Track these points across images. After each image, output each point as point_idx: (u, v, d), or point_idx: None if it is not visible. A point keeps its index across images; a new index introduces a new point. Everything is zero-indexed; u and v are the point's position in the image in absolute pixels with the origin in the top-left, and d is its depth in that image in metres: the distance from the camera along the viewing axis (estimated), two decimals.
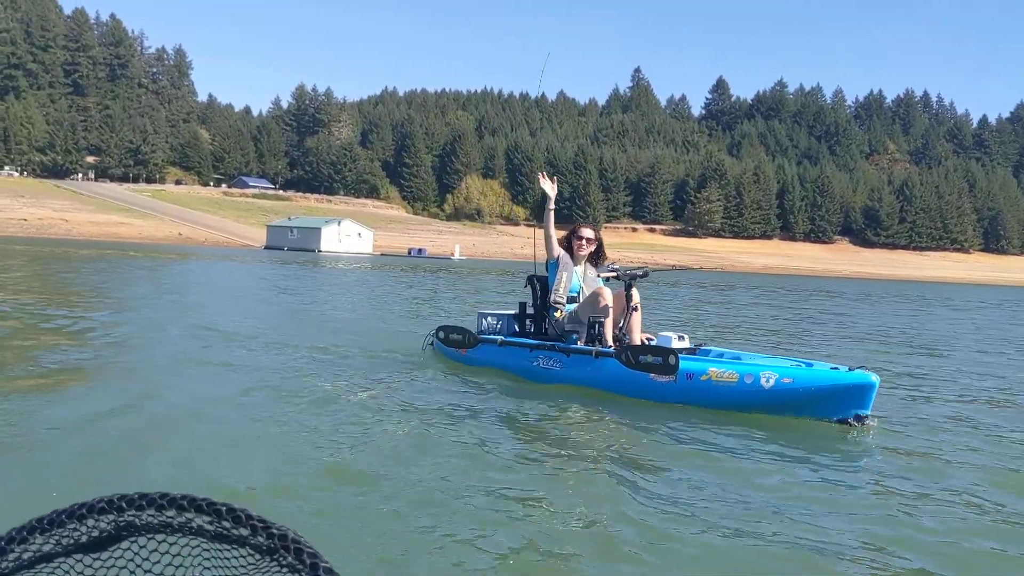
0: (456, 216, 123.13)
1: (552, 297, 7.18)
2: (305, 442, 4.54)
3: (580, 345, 6.93)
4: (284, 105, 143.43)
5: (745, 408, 5.92)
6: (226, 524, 0.78)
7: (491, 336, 7.72)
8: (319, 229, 78.31)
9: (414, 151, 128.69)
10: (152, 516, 0.79)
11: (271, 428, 4.91)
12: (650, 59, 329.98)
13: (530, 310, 7.76)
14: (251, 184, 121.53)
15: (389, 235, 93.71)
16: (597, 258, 7.43)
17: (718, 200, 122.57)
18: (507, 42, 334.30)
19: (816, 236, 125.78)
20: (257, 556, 0.79)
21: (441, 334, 8.17)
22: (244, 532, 0.78)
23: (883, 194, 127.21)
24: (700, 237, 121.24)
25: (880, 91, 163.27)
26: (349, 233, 79.93)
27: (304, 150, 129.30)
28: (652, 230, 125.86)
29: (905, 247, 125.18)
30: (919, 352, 11.35)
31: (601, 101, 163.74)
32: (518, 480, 4.04)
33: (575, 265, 7.24)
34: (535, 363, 7.19)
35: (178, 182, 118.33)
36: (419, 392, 6.40)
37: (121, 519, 0.80)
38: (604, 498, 3.84)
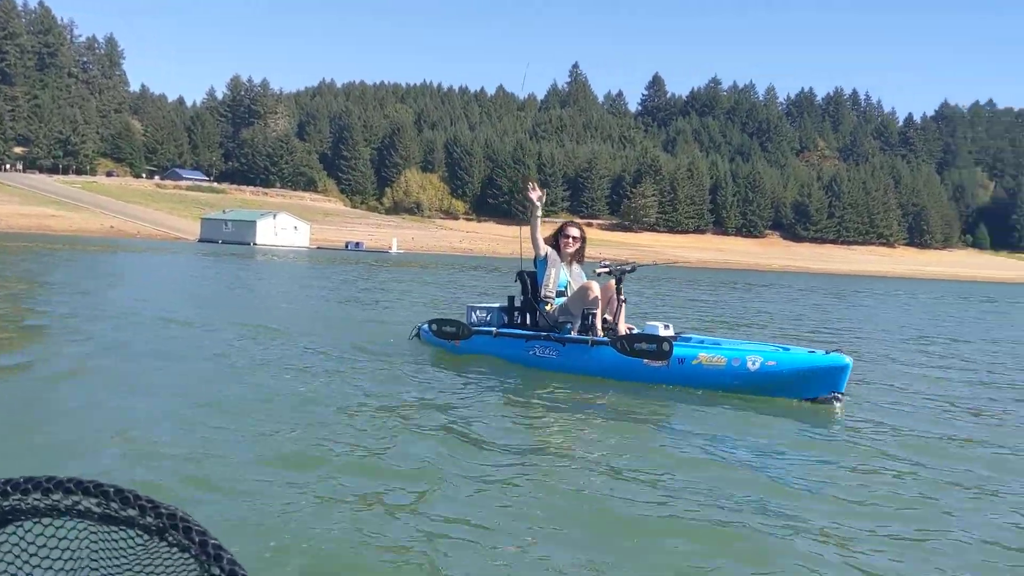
0: (395, 210, 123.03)
1: (542, 292, 7.77)
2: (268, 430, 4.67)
3: (574, 335, 7.49)
4: (219, 96, 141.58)
5: (732, 389, 6.56)
6: (114, 506, 0.77)
7: (485, 328, 8.21)
8: (254, 222, 77.83)
9: (352, 144, 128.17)
10: (38, 500, 0.78)
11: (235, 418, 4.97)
12: (588, 55, 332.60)
13: (519, 303, 8.22)
14: (185, 176, 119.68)
15: (327, 228, 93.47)
16: (581, 255, 8.00)
17: (653, 195, 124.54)
18: (447, 34, 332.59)
19: (748, 231, 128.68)
20: (146, 537, 0.78)
21: (434, 326, 8.61)
22: (132, 513, 0.77)
23: (812, 190, 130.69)
24: (636, 231, 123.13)
25: (811, 89, 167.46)
26: (285, 226, 79.61)
27: (239, 142, 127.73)
28: (589, 224, 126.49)
29: (834, 241, 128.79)
30: (870, 339, 12.44)
31: (540, 96, 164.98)
32: (501, 460, 4.32)
33: (562, 261, 7.83)
34: (531, 352, 7.70)
35: (109, 174, 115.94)
36: (412, 379, 6.78)
37: (6, 504, 0.78)
38: (587, 476, 4.11)
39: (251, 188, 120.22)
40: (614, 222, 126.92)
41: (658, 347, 6.88)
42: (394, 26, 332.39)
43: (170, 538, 0.76)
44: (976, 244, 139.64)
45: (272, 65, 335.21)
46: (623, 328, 7.53)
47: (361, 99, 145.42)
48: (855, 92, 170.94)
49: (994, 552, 3.30)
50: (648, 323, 7.43)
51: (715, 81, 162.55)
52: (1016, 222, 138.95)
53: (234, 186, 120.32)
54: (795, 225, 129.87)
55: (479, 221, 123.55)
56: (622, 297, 7.61)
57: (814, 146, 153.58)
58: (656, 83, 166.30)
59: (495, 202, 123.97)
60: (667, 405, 6.20)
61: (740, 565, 3.06)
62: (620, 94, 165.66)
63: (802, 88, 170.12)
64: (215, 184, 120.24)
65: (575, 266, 7.98)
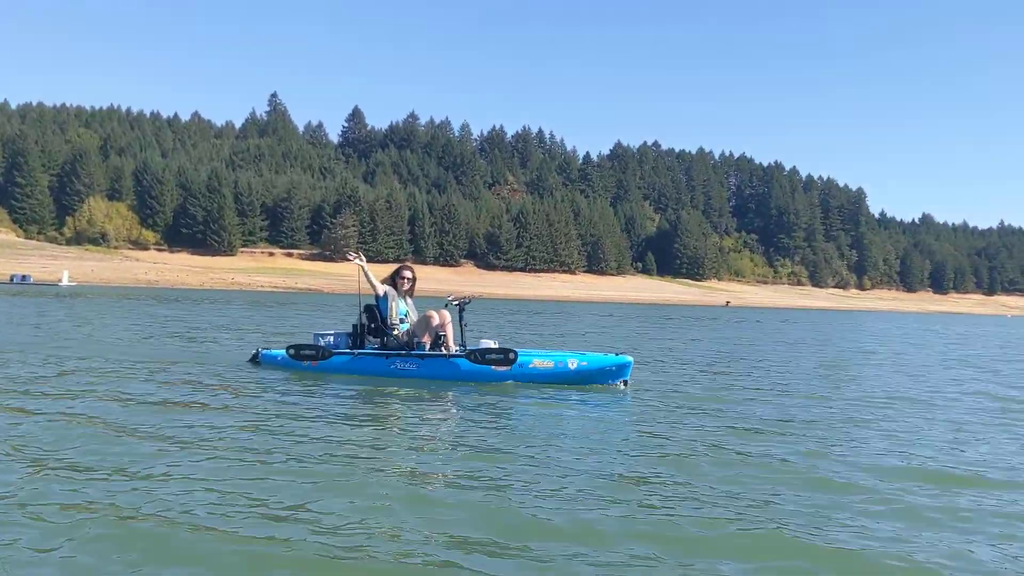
0: (78, 240, 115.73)
1: (390, 320, 10.10)
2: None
3: (428, 351, 9.92)
4: None
5: (558, 381, 9.63)
6: None
7: (341, 349, 10.29)
8: None
9: (28, 170, 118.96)
10: None
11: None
12: (287, 85, 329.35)
13: (361, 329, 10.37)
14: None
15: None
16: (412, 290, 10.57)
17: (353, 225, 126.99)
18: (137, 55, 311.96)
19: (445, 260, 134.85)
20: None
21: (292, 351, 10.49)
22: None
23: (502, 221, 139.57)
24: (336, 261, 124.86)
25: (502, 127, 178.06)
26: None
27: None
28: (290, 255, 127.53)
29: (522, 269, 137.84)
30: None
31: (238, 124, 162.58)
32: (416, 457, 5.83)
33: (399, 296, 10.37)
34: (392, 366, 9.93)
35: None
36: (270, 400, 8.16)
37: None
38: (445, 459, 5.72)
39: None
40: (315, 252, 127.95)
41: (505, 356, 9.71)
42: (76, 44, 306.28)
43: None
44: (645, 270, 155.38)
45: None
46: (452, 346, 10.06)
47: (39, 122, 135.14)
48: (541, 131, 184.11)
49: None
50: (482, 340, 10.22)
51: (413, 116, 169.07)
52: (677, 251, 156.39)
53: None
54: (488, 254, 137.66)
55: (171, 252, 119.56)
56: (464, 323, 10.31)
57: (504, 180, 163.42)
58: (356, 115, 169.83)
59: (188, 232, 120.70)
60: (505, 399, 8.84)
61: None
62: (320, 125, 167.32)
63: (493, 126, 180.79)
64: None
65: (409, 299, 10.48)
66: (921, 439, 7.29)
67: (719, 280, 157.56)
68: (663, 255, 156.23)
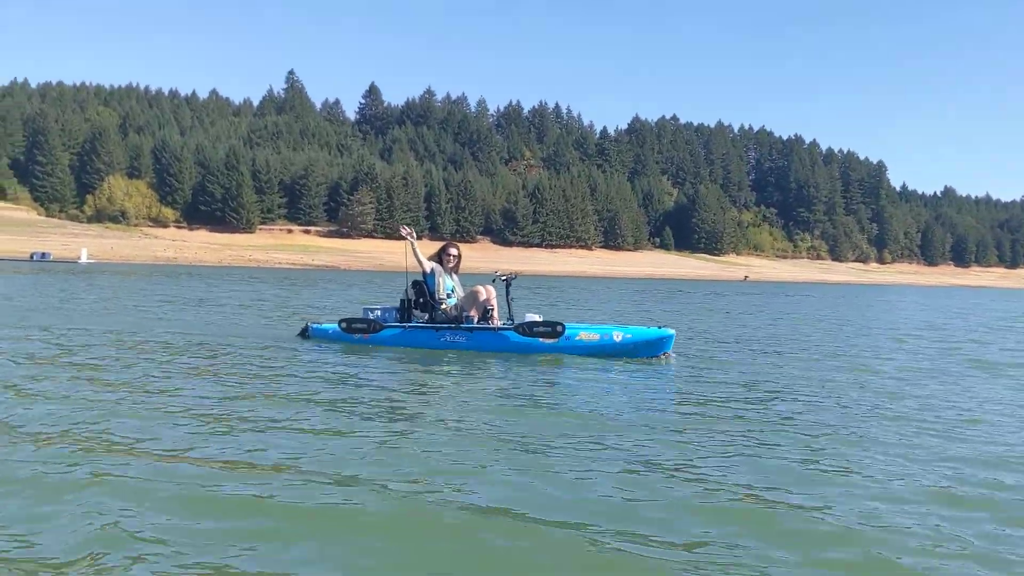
0: (98, 218, 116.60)
1: (438, 295, 10.51)
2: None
3: (476, 324, 10.28)
4: None
5: (603, 354, 9.85)
6: None
7: (393, 323, 10.67)
8: None
9: (49, 149, 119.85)
10: None
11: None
12: (305, 62, 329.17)
13: (409, 303, 10.70)
14: None
15: (15, 239, 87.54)
16: (458, 267, 10.92)
17: (370, 202, 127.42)
18: (155, 34, 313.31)
19: (461, 236, 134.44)
20: None
21: (344, 324, 10.86)
22: None
23: (519, 197, 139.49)
24: (354, 238, 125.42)
25: (518, 102, 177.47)
26: None
27: None
28: (307, 231, 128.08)
29: (539, 245, 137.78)
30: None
31: (256, 102, 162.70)
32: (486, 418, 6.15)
33: (446, 273, 10.76)
34: (443, 339, 10.33)
35: None
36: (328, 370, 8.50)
37: None
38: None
39: None
40: (332, 229, 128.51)
41: (553, 329, 10.05)
42: (95, 23, 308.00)
43: None
44: (662, 245, 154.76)
45: None
46: (497, 320, 10.46)
47: (59, 101, 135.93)
48: (558, 106, 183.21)
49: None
50: (527, 314, 10.54)
51: (429, 92, 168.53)
52: (695, 225, 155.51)
53: None
54: (504, 230, 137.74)
55: (191, 229, 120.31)
56: (511, 298, 10.67)
57: (521, 156, 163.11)
58: (372, 92, 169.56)
59: (207, 209, 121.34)
60: (554, 369, 9.18)
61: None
62: (337, 102, 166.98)
63: (510, 101, 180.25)
64: None
65: (455, 275, 10.91)
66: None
67: (738, 255, 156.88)
68: (681, 230, 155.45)
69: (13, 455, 4.70)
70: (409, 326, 10.63)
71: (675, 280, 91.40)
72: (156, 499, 4.00)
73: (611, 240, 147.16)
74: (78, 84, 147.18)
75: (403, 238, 10.72)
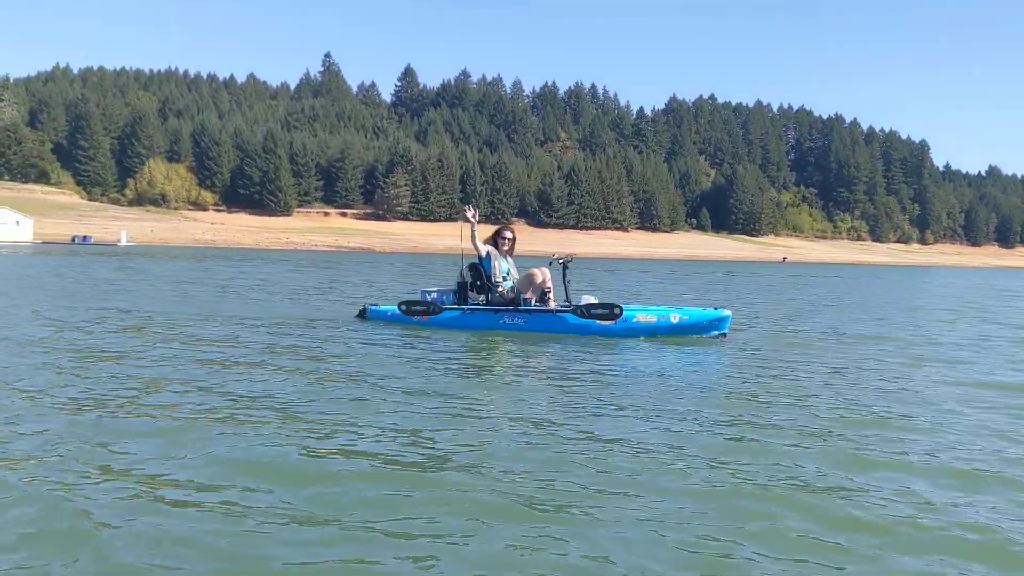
0: (139, 201, 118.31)
1: (495, 278, 10.54)
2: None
3: (534, 306, 10.34)
4: None
5: (660, 334, 9.97)
6: None
7: (451, 305, 10.71)
8: None
9: (90, 133, 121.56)
10: None
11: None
12: (341, 44, 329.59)
13: (466, 286, 10.74)
14: None
15: (59, 222, 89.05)
16: (512, 250, 10.93)
17: (405, 185, 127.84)
18: (192, 18, 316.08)
19: (496, 218, 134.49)
20: None
21: (403, 306, 10.91)
22: None
23: (554, 179, 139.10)
24: (390, 220, 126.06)
25: (554, 83, 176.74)
26: (5, 221, 75.45)
27: None
28: (344, 214, 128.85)
29: (574, 227, 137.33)
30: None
31: (292, 85, 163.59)
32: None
33: (501, 256, 10.82)
34: (501, 321, 10.39)
35: None
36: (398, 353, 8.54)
37: None
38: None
39: None
40: (368, 211, 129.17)
41: (610, 311, 10.10)
42: (134, 8, 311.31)
43: None
44: (699, 226, 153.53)
45: None
46: (553, 302, 10.47)
47: (100, 86, 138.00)
48: (594, 86, 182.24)
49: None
50: (583, 296, 10.61)
51: (465, 74, 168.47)
52: (733, 206, 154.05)
53: None
54: (539, 212, 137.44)
55: (229, 212, 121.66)
56: (567, 280, 10.65)
57: (556, 137, 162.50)
58: (408, 75, 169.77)
59: (246, 192, 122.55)
60: (611, 350, 9.20)
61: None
62: (373, 85, 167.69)
63: (546, 82, 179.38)
64: None
65: (509, 258, 10.92)
66: None
67: (776, 236, 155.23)
68: (718, 211, 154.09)
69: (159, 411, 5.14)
70: (468, 308, 10.66)
71: (712, 261, 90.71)
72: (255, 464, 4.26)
73: (647, 221, 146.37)
74: (118, 69, 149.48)
75: (467, 220, 10.63)
